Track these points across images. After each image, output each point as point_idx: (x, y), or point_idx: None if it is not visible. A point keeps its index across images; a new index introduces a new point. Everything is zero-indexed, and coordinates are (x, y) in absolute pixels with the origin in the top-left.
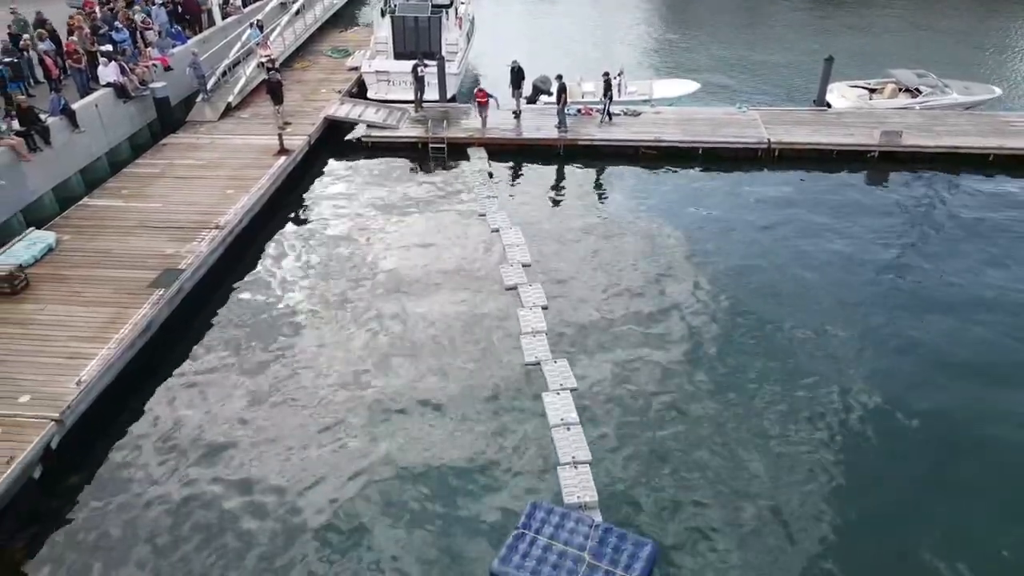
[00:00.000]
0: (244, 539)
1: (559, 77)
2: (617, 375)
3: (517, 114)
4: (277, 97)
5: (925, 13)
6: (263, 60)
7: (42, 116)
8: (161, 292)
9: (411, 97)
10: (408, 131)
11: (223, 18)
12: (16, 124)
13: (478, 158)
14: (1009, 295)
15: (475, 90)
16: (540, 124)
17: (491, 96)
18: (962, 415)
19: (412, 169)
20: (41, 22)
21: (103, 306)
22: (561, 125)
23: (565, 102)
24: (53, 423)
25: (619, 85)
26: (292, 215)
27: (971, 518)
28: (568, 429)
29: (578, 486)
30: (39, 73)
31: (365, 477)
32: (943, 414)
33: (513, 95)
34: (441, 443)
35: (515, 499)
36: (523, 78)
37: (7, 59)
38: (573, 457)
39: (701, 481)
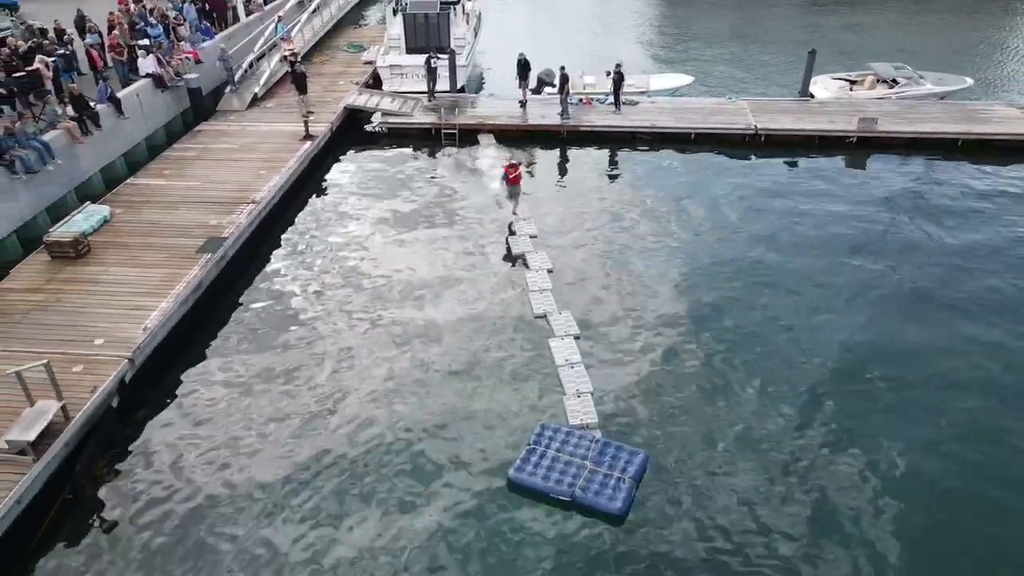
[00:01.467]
0: (286, 450)
1: (562, 68)
2: (614, 322)
3: (523, 103)
4: (302, 87)
5: (909, 10)
6: (286, 54)
7: (90, 103)
8: (208, 256)
9: (423, 88)
10: (422, 118)
11: (247, 15)
12: (70, 110)
13: (487, 143)
14: (969, 256)
15: (505, 166)
16: (545, 112)
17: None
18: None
19: (426, 153)
20: (82, 18)
21: (158, 268)
22: (564, 113)
23: (567, 92)
24: (126, 361)
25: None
26: (317, 193)
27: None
28: (572, 367)
29: (581, 411)
30: (82, 66)
31: (396, 404)
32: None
33: (520, 86)
34: (462, 379)
35: (527, 423)
36: (529, 70)
37: (60, 51)
38: (577, 390)
39: (688, 408)
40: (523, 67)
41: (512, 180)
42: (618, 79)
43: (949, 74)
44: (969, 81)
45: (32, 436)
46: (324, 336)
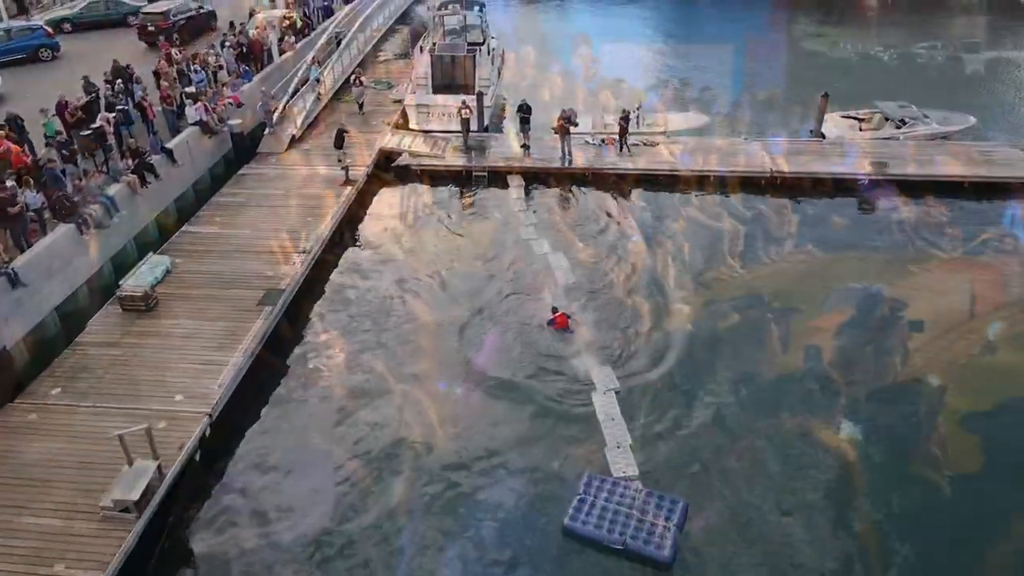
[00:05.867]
0: (353, 496)
1: (564, 111)
2: (648, 377)
3: (523, 147)
4: (340, 143)
5: (912, 51)
6: (362, 80)
7: (144, 155)
8: (269, 308)
9: (449, 127)
10: (453, 159)
11: (280, 55)
12: (130, 163)
13: (516, 185)
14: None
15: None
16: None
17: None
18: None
19: (458, 193)
20: (124, 68)
21: (224, 320)
22: (565, 156)
23: (567, 132)
24: (206, 416)
25: (637, 118)
26: (359, 233)
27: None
28: (612, 420)
29: (623, 463)
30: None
31: (448, 448)
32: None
33: (520, 129)
34: (512, 428)
35: (573, 470)
36: (530, 115)
37: (120, 107)
38: (618, 443)
39: (722, 456)
40: (524, 112)
41: (558, 324)
42: (624, 125)
43: (953, 113)
44: (972, 119)
45: (136, 495)
46: (378, 383)
